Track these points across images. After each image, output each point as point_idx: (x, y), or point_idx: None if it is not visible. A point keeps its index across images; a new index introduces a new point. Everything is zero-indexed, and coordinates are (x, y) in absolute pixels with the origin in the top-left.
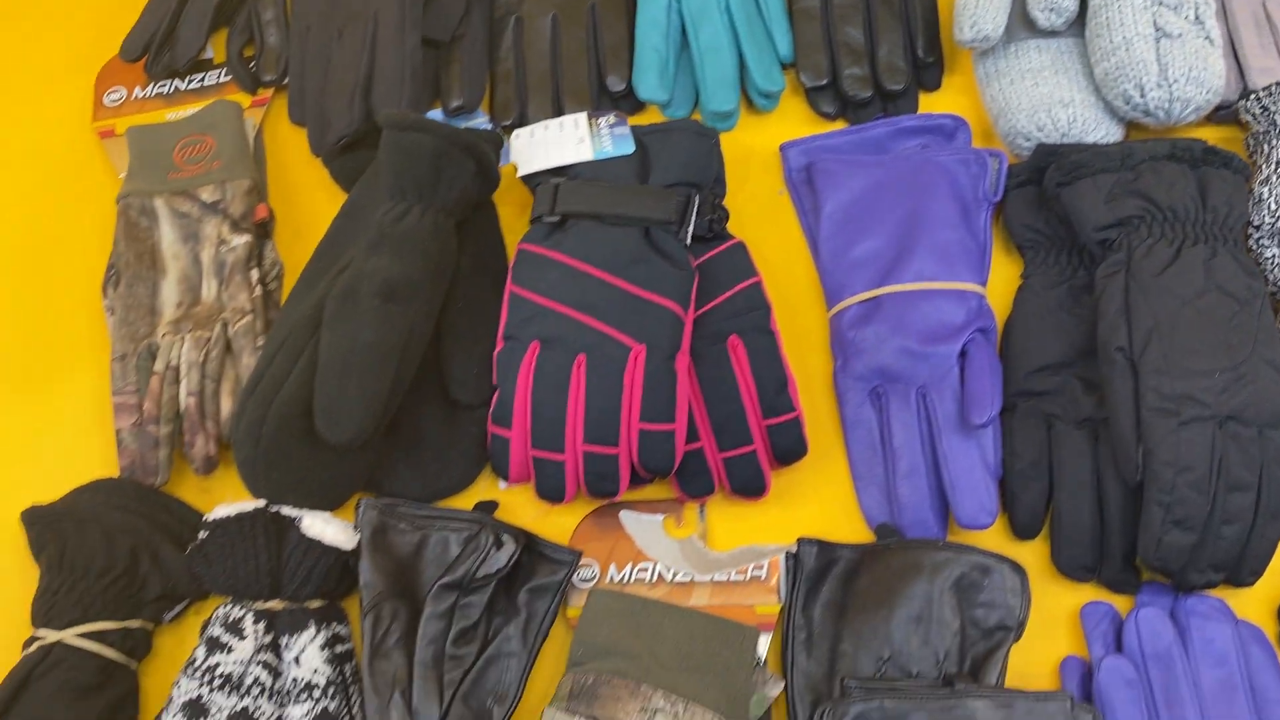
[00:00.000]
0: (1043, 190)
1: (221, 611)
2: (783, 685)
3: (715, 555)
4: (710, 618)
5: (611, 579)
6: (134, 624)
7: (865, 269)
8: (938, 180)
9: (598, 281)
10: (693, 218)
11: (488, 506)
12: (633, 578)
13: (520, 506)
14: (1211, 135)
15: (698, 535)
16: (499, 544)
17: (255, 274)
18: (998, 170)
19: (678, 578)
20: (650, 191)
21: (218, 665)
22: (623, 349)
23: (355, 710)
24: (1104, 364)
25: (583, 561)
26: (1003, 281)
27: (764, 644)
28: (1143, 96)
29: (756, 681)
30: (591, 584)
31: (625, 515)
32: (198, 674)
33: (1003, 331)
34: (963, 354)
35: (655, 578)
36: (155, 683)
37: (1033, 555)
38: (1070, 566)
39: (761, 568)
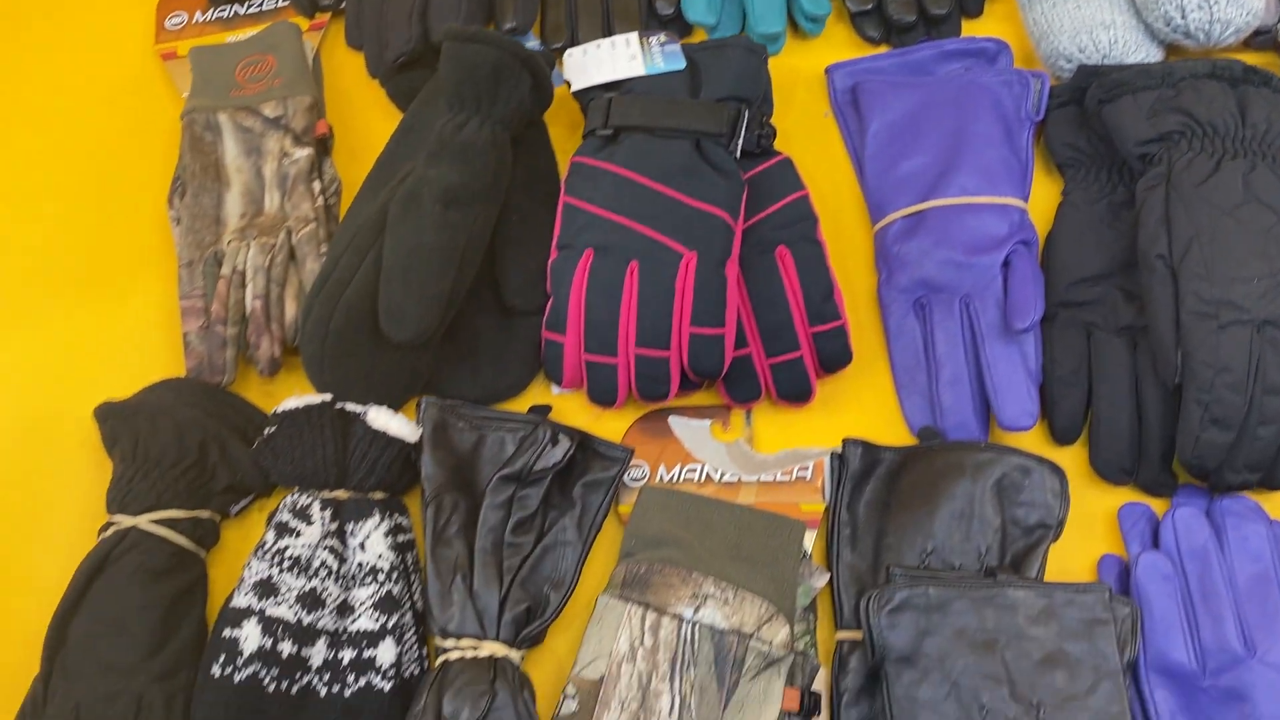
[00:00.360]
0: (1084, 108)
1: (290, 499)
2: (828, 577)
3: (761, 457)
4: (758, 511)
5: (661, 479)
6: (203, 514)
7: (909, 185)
8: (981, 100)
9: (650, 191)
10: (742, 131)
11: (541, 410)
12: (681, 477)
13: (572, 412)
14: (1249, 60)
15: (744, 439)
16: (555, 441)
17: (317, 185)
18: (1039, 91)
19: (725, 478)
20: (701, 105)
21: (286, 548)
22: (674, 255)
23: (417, 598)
24: (1144, 271)
25: (633, 462)
26: (1044, 199)
27: (809, 540)
28: (1183, 18)
29: (803, 573)
30: (642, 483)
31: (674, 420)
32: (268, 556)
33: (1044, 245)
34: (1005, 264)
35: (703, 478)
36: (222, 573)
37: (1071, 460)
38: (1108, 469)
39: (806, 469)
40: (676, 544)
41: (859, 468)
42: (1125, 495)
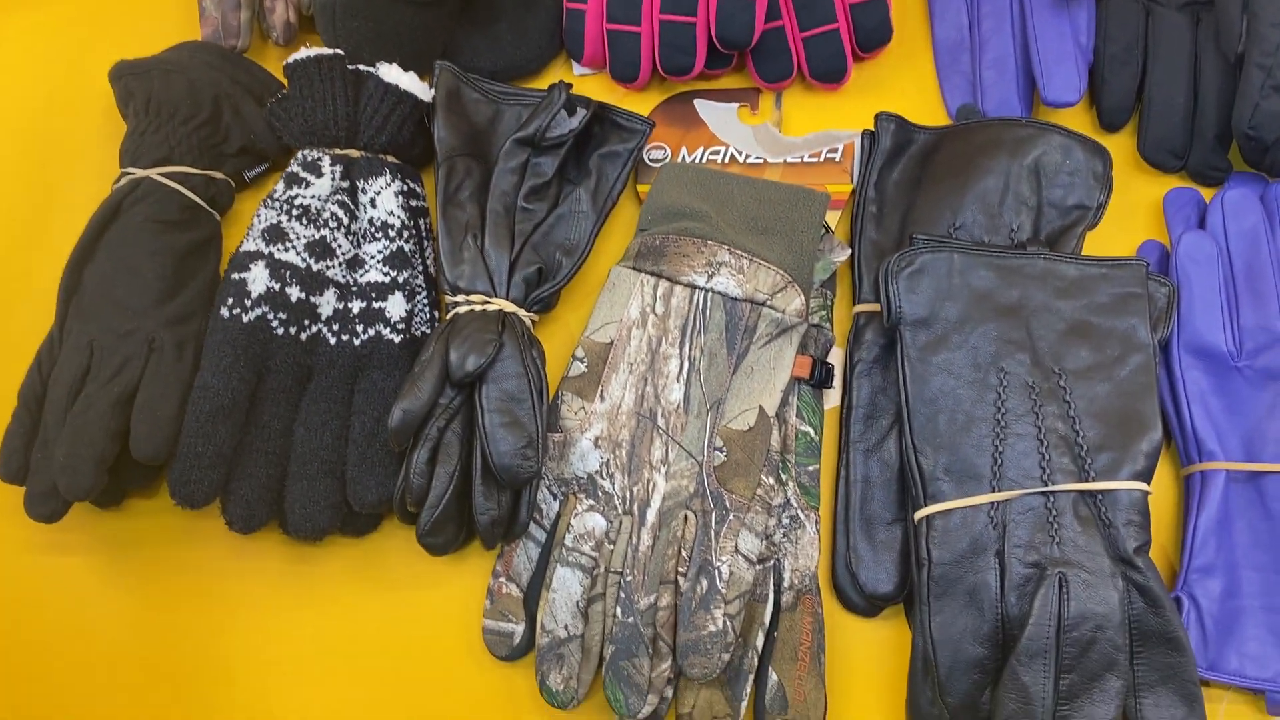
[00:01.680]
0: None
1: (300, 154)
2: (849, 253)
3: (789, 140)
4: (779, 184)
5: (683, 159)
6: (216, 174)
7: None
8: None
9: None
10: None
11: (563, 87)
12: (704, 159)
13: (595, 92)
14: None
15: (772, 122)
16: (571, 109)
17: None
18: None
19: (750, 159)
20: None
21: (295, 197)
22: None
23: (429, 262)
24: None
25: (654, 144)
26: None
27: (833, 218)
28: None
29: (823, 247)
30: (663, 164)
31: (700, 103)
32: (276, 204)
33: None
34: None
35: (728, 159)
36: (237, 240)
37: (1119, 149)
38: (1157, 151)
39: (836, 150)
40: (693, 215)
41: (891, 144)
42: (1174, 184)
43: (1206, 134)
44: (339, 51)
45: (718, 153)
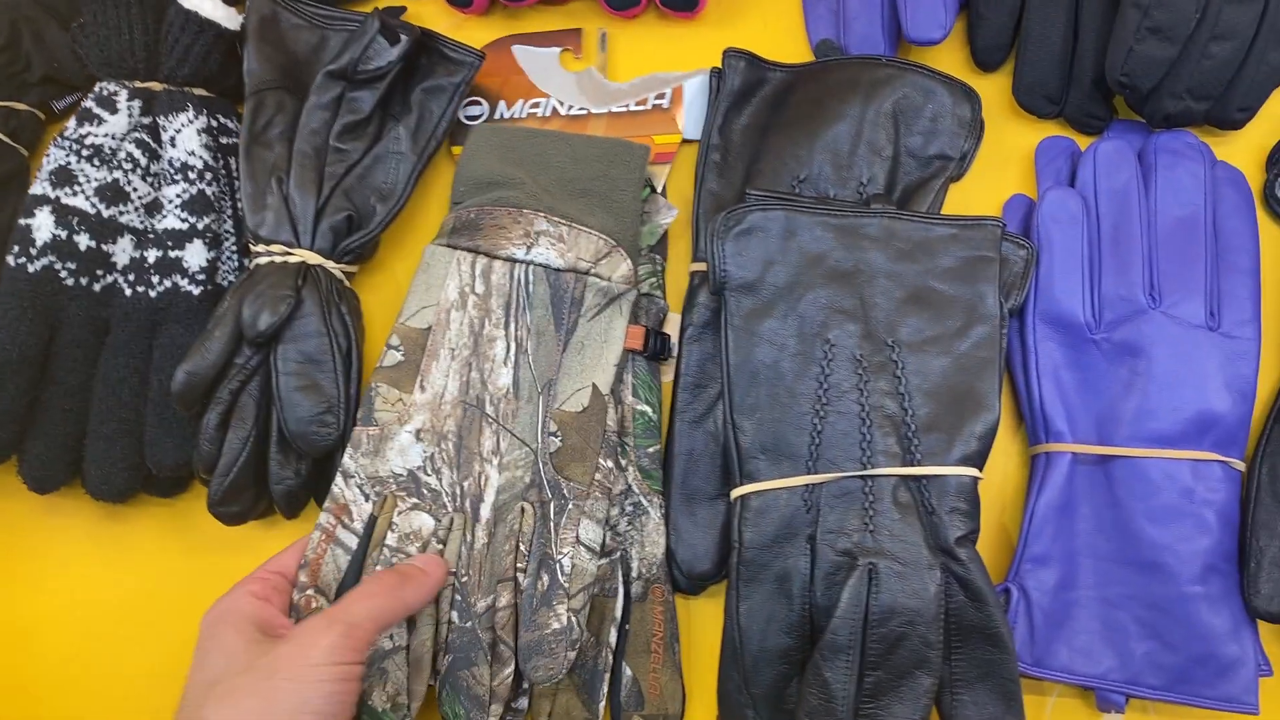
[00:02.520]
0: None
1: (98, 86)
2: (676, 213)
3: (615, 86)
4: (595, 138)
5: (501, 116)
6: (18, 106)
7: None
8: None
9: None
10: None
11: (394, 11)
12: (524, 113)
13: (432, 18)
14: None
15: (597, 66)
16: (391, 37)
17: None
18: None
19: (572, 111)
20: None
21: (86, 135)
22: None
23: (240, 205)
24: None
25: (469, 100)
26: None
27: (661, 173)
28: None
29: (649, 209)
30: (480, 121)
31: (518, 49)
32: (67, 143)
33: None
34: None
35: (549, 112)
36: None
37: (995, 90)
38: (1031, 95)
39: (664, 96)
40: (508, 184)
41: (740, 85)
42: (1051, 132)
43: (1084, 78)
44: None
45: (538, 105)
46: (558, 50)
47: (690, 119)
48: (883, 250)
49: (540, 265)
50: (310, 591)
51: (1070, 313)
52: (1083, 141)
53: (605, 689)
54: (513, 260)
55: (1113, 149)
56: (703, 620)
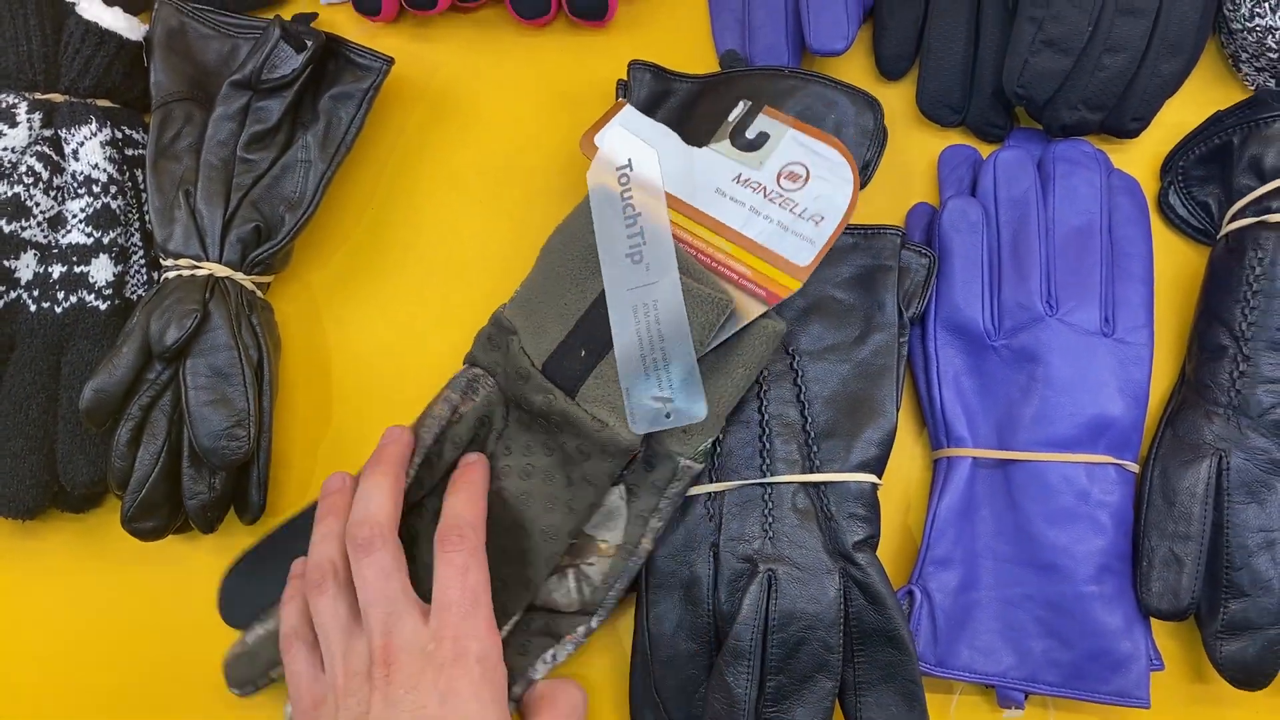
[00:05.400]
0: None
1: None
2: None
3: None
4: None
5: None
6: None
7: None
8: None
9: None
10: None
11: (305, 19)
12: None
13: (344, 25)
14: None
15: None
16: (297, 44)
17: None
18: None
19: None
20: None
21: None
22: None
23: (148, 217)
24: None
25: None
26: None
27: None
28: None
29: None
30: None
31: None
32: None
33: None
34: None
35: None
36: None
37: (901, 99)
38: (934, 104)
39: None
40: None
41: (646, 96)
42: (955, 140)
43: (985, 88)
44: None
45: None
46: None
47: None
48: None
49: None
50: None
51: (970, 320)
52: (985, 149)
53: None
54: None
55: (1012, 158)
56: (616, 627)
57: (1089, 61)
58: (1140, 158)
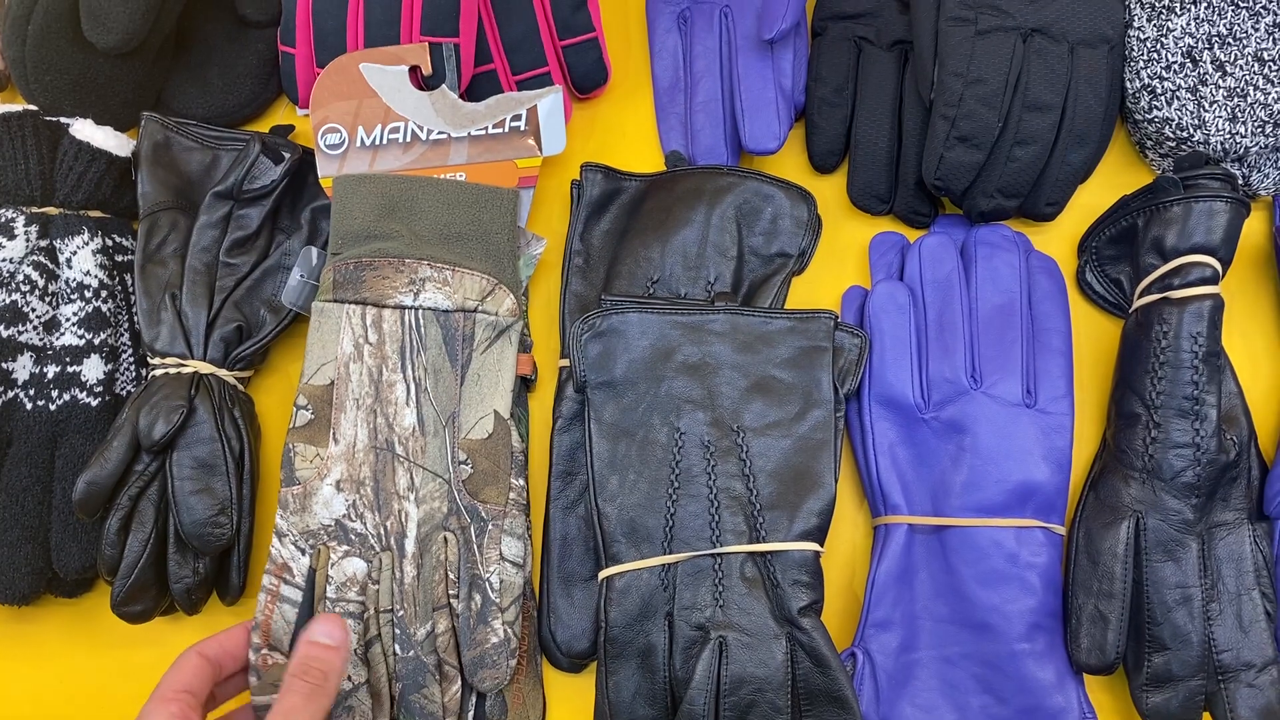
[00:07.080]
0: None
1: None
2: (545, 243)
3: (470, 107)
4: (465, 185)
5: (361, 143)
6: None
7: None
8: None
9: None
10: None
11: (283, 130)
12: (384, 139)
13: None
14: None
15: (447, 84)
16: (275, 157)
17: None
18: None
19: (433, 135)
20: None
21: None
22: None
23: (136, 318)
24: None
25: (328, 126)
26: None
27: (526, 201)
28: None
29: (521, 244)
30: (340, 151)
31: (367, 67)
32: None
33: None
34: None
35: (409, 137)
36: None
37: (832, 190)
38: (863, 195)
39: (520, 118)
40: (385, 235)
41: (597, 195)
42: (886, 227)
43: (909, 179)
44: (30, 108)
45: (397, 129)
46: (406, 68)
47: (548, 139)
48: (727, 344)
49: (429, 309)
50: (265, 651)
51: (901, 395)
52: (912, 235)
53: (473, 701)
54: (402, 307)
55: (936, 243)
56: (577, 692)
57: (1001, 154)
58: (1059, 238)
